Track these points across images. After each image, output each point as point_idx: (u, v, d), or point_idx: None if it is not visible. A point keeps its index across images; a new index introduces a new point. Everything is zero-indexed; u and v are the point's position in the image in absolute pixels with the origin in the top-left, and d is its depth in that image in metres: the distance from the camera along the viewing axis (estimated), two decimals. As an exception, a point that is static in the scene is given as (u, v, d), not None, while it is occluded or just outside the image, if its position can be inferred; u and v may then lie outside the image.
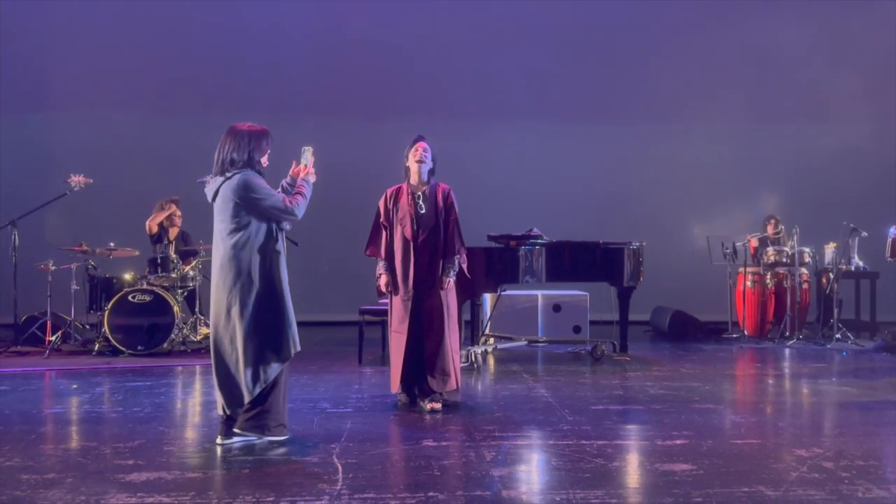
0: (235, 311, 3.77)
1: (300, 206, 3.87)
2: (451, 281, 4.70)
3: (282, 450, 3.78)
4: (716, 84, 9.66)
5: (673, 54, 9.60)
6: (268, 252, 3.82)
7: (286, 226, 3.92)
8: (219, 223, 3.86)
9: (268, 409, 3.85)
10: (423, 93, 9.37)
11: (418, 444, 3.94)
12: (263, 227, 3.82)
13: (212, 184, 3.90)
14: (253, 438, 3.85)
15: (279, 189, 3.98)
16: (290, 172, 4.04)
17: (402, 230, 4.66)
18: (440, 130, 8.68)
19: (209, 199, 3.93)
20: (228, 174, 3.81)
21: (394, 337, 4.75)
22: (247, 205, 3.77)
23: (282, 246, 3.89)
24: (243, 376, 3.78)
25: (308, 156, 4.00)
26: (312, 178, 4.02)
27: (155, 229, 7.41)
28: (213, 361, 3.87)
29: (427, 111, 9.18)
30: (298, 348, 3.90)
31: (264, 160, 3.90)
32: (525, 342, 7.25)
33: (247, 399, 3.80)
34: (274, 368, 3.82)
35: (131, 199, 8.04)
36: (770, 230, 8.32)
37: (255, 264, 3.79)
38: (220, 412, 3.89)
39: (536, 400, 5.02)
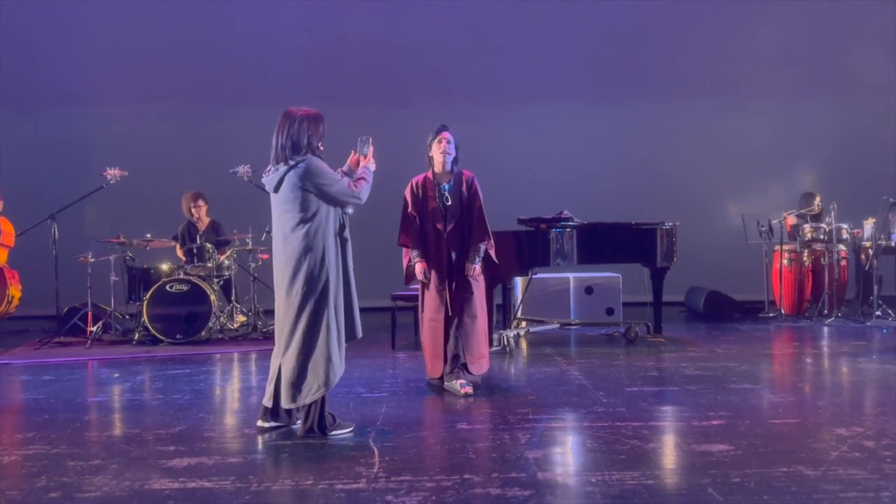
0: (314, 301, 3.73)
1: (364, 191, 3.90)
2: (476, 267, 4.78)
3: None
4: (749, 59, 9.45)
5: (704, 29, 9.40)
6: (340, 240, 3.83)
7: (349, 210, 3.92)
8: (285, 213, 3.76)
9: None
10: (448, 77, 9.31)
11: (453, 427, 3.97)
12: (332, 214, 3.80)
13: (273, 173, 3.79)
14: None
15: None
16: (349, 161, 4.06)
17: (432, 221, 4.78)
18: (467, 114, 8.65)
19: (270, 188, 3.82)
20: (292, 161, 3.74)
21: (429, 325, 4.86)
22: (317, 191, 3.74)
23: (349, 233, 3.90)
24: (330, 364, 3.75)
25: (368, 146, 4.06)
26: (373, 166, 4.05)
27: (183, 254, 7.41)
28: (288, 351, 3.77)
29: (453, 95, 9.13)
30: (361, 334, 3.95)
31: (320, 145, 3.88)
32: (557, 325, 7.23)
33: (334, 383, 3.81)
34: (342, 351, 3.85)
35: (166, 191, 8.15)
36: (816, 206, 8.10)
37: (329, 253, 3.77)
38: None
39: (570, 382, 5.02)
